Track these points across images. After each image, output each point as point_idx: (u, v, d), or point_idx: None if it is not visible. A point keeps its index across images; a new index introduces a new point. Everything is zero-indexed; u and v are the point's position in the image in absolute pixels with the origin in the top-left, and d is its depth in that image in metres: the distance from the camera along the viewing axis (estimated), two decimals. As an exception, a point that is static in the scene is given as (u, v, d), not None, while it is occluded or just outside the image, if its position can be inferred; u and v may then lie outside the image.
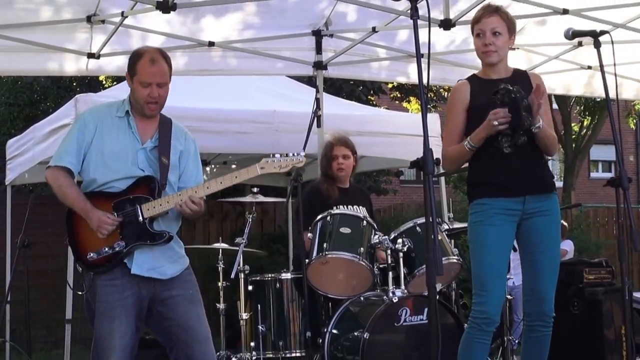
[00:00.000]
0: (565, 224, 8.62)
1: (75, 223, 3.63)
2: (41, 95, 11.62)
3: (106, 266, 3.56)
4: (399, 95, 13.28)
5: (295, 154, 3.76)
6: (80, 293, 3.68)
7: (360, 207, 5.31)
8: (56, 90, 11.34)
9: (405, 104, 13.63)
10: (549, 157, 4.15)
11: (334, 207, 5.06)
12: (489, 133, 3.80)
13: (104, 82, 10.61)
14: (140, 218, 3.59)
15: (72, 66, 6.00)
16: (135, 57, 3.69)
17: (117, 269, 3.57)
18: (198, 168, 3.84)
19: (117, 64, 6.04)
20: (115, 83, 9.76)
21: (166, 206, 3.60)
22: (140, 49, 3.81)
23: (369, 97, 11.82)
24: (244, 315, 5.22)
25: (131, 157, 3.64)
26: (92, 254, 3.56)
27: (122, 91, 7.15)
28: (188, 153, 3.80)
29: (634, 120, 15.84)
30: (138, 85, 3.64)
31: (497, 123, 3.73)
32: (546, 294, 3.93)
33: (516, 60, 6.51)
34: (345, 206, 5.21)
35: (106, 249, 3.56)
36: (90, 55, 5.83)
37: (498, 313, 3.89)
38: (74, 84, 11.21)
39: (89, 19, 5.49)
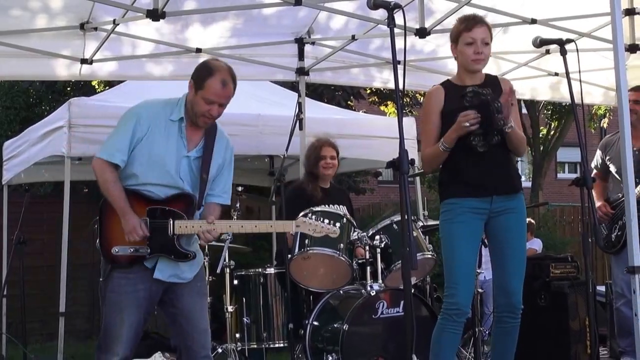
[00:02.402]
0: (533, 221, 8.66)
1: (108, 214, 3.55)
2: (36, 99, 11.53)
3: (125, 263, 3.53)
4: (376, 99, 13.28)
5: (332, 224, 3.78)
6: (101, 280, 3.63)
7: (341, 205, 5.31)
8: (51, 95, 11.26)
9: (382, 108, 13.62)
10: (518, 158, 4.18)
11: (316, 206, 5.06)
12: (459, 134, 3.80)
13: (97, 87, 10.54)
14: (170, 232, 3.52)
15: (66, 71, 5.96)
16: (206, 73, 3.53)
17: (135, 265, 3.54)
18: (229, 178, 3.75)
19: (109, 69, 6.01)
20: (107, 88, 9.69)
21: (198, 229, 3.55)
22: (213, 64, 3.61)
23: (348, 102, 11.82)
24: (230, 308, 5.21)
25: (175, 163, 3.54)
26: (117, 249, 3.52)
27: (114, 95, 7.14)
28: (225, 162, 3.72)
29: (595, 125, 15.92)
30: (201, 100, 3.51)
31: (468, 124, 3.74)
32: (513, 287, 3.94)
33: (486, 66, 6.55)
34: (327, 205, 5.21)
35: (131, 249, 3.51)
36: (84, 61, 5.79)
37: (468, 305, 3.91)
38: (68, 88, 11.13)
39: (82, 26, 5.46)
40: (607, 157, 5.31)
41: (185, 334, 3.64)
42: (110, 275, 3.55)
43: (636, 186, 4.81)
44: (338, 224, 3.83)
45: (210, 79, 3.50)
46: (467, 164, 3.91)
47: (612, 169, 5.27)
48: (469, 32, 3.89)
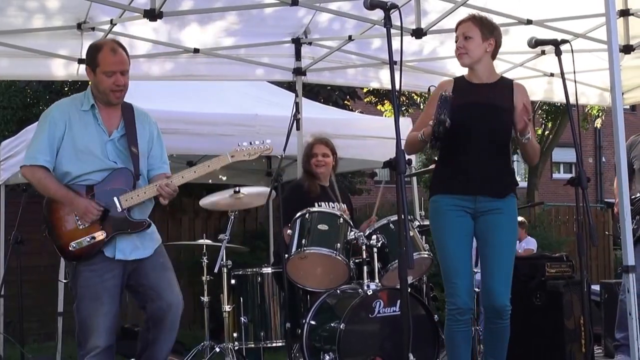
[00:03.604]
0: (523, 218, 8.65)
1: (54, 215, 3.61)
2: (34, 100, 11.51)
3: (87, 255, 3.56)
4: (373, 99, 13.28)
5: (262, 142, 3.90)
6: (64, 281, 3.68)
7: (342, 203, 5.33)
8: (48, 95, 11.23)
9: (379, 107, 13.62)
10: (514, 159, 4.16)
11: (315, 204, 5.08)
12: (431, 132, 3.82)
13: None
14: (119, 209, 3.59)
15: (63, 71, 5.97)
16: (94, 51, 3.65)
17: (96, 256, 3.58)
18: (162, 149, 3.84)
19: (106, 69, 6.00)
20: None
21: (143, 197, 3.62)
22: (97, 42, 3.79)
23: (345, 101, 11.82)
24: (227, 308, 5.20)
25: (101, 149, 3.61)
26: (74, 245, 3.55)
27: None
28: (152, 136, 3.79)
29: (587, 126, 15.94)
30: (102, 76, 3.60)
31: (430, 123, 3.77)
32: (497, 289, 3.88)
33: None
34: (326, 203, 5.22)
35: (87, 239, 3.55)
36: (81, 61, 5.78)
37: (467, 302, 3.88)
38: (65, 88, 11.12)
39: (79, 26, 5.47)
40: (632, 156, 5.41)
41: (157, 307, 3.67)
42: (76, 271, 3.58)
43: None
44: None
45: (100, 53, 3.62)
46: (452, 164, 3.93)
47: (637, 165, 5.37)
48: (455, 31, 3.99)
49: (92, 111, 3.65)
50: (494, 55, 4.03)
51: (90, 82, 3.72)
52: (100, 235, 3.56)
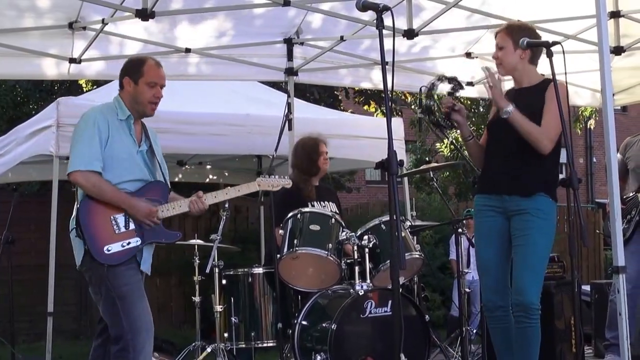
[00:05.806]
0: None
1: (90, 218, 3.62)
2: (24, 98, 11.47)
3: (120, 259, 3.59)
4: (360, 99, 13.22)
5: (285, 178, 4.33)
6: (105, 282, 3.61)
7: (330, 202, 5.33)
8: (38, 94, 11.20)
9: (365, 108, 13.56)
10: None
11: (308, 204, 5.08)
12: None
13: (84, 86, 10.49)
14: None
15: (54, 70, 5.95)
16: (139, 62, 3.76)
17: (130, 261, 3.64)
18: (164, 164, 3.96)
19: (97, 68, 5.99)
20: (94, 87, 9.67)
21: (178, 210, 3.72)
22: (138, 56, 3.91)
23: (335, 102, 11.81)
24: (218, 308, 5.21)
25: (135, 159, 3.70)
26: (109, 247, 3.58)
27: (102, 94, 7.11)
28: (160, 152, 3.95)
29: (580, 126, 15.98)
30: (144, 86, 3.70)
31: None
32: (522, 286, 3.93)
33: (472, 68, 6.58)
34: (318, 202, 5.22)
35: (123, 243, 3.60)
36: (72, 60, 5.79)
37: (494, 299, 4.05)
38: (55, 87, 11.08)
39: (70, 25, 5.45)
40: (627, 156, 5.51)
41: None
42: (117, 272, 3.58)
43: None
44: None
45: (146, 65, 3.74)
46: (485, 163, 4.16)
47: (631, 165, 5.51)
48: None
49: (127, 122, 3.72)
50: (532, 60, 4.08)
51: (120, 93, 3.77)
52: (135, 241, 3.62)
